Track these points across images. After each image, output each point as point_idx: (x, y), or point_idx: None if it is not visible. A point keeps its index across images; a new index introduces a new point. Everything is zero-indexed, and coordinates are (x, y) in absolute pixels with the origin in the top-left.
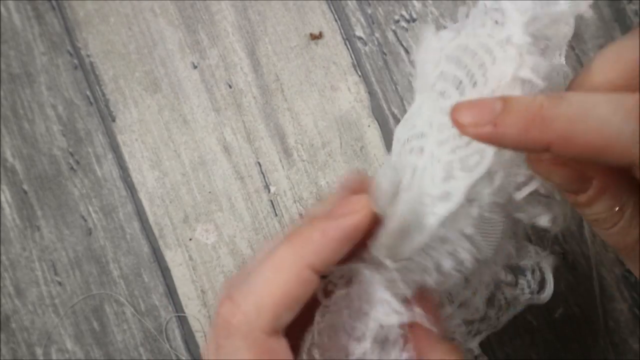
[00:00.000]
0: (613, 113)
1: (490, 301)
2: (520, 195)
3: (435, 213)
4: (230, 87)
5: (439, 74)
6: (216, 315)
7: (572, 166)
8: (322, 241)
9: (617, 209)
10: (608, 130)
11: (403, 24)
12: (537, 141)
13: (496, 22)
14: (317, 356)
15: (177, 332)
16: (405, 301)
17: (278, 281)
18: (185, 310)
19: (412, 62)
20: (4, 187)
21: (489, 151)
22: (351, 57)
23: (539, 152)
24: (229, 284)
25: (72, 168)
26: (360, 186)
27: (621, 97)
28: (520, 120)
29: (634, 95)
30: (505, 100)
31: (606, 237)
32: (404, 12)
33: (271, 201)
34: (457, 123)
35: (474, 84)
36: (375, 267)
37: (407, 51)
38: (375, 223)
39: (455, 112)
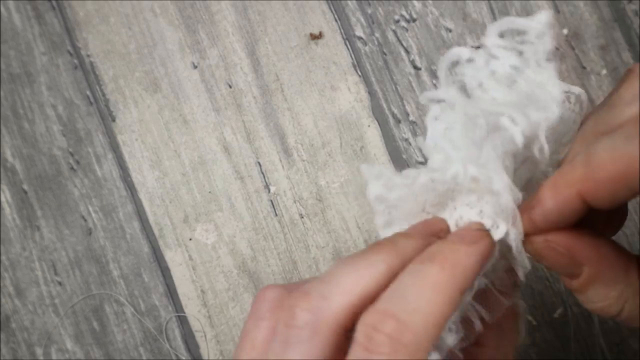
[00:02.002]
0: (616, 140)
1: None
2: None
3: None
4: (230, 87)
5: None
6: (372, 330)
7: (562, 251)
8: (469, 265)
9: (613, 295)
10: (623, 152)
11: (403, 24)
12: (570, 198)
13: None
14: None
15: (177, 332)
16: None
17: (440, 303)
18: (185, 310)
19: (412, 62)
20: (4, 187)
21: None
22: (351, 57)
23: (579, 208)
24: (280, 291)
25: (72, 168)
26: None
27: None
28: (545, 199)
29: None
30: (526, 207)
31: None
32: (404, 12)
33: (271, 201)
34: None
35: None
36: None
37: (407, 51)
38: None
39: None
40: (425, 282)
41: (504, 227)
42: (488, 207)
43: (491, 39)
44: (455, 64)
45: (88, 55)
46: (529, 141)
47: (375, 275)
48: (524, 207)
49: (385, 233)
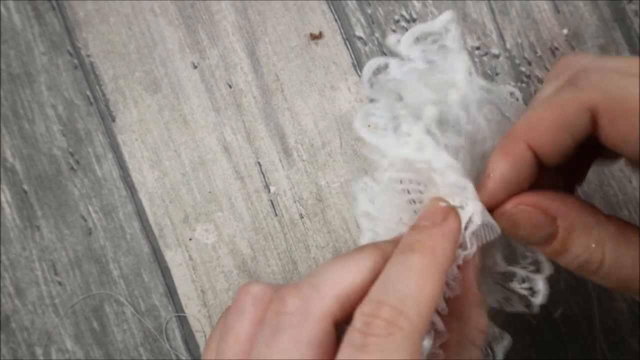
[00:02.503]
0: (551, 95)
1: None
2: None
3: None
4: (230, 87)
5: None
6: (370, 317)
7: (534, 210)
8: (446, 247)
9: (593, 245)
10: (557, 102)
11: (403, 24)
12: (520, 152)
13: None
14: None
15: (177, 332)
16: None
17: (428, 287)
18: (185, 310)
19: None
20: (4, 187)
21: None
22: (351, 57)
23: (530, 162)
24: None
25: (72, 168)
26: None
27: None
28: (499, 153)
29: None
30: (490, 160)
31: (604, 282)
32: (404, 12)
33: (271, 201)
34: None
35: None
36: None
37: None
38: None
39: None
40: (410, 270)
41: (464, 202)
42: (444, 189)
43: (405, 45)
44: (376, 71)
45: (88, 55)
46: (455, 117)
47: (361, 270)
48: (483, 180)
49: None
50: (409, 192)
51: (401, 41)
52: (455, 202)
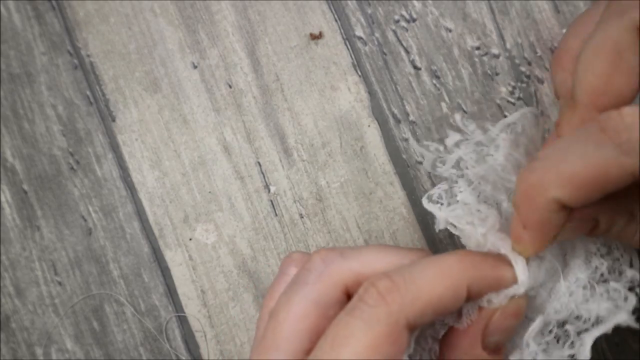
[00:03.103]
0: (584, 142)
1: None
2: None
3: None
4: (230, 87)
5: None
6: (370, 283)
7: (582, 223)
8: (486, 270)
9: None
10: (590, 158)
11: (403, 24)
12: (548, 205)
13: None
14: None
15: (177, 332)
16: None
17: (440, 284)
18: (185, 310)
19: (412, 62)
20: (4, 187)
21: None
22: (351, 57)
23: (562, 209)
24: (328, 253)
25: (72, 168)
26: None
27: (583, 131)
28: (526, 206)
29: (591, 124)
30: (516, 210)
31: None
32: (404, 12)
33: (271, 201)
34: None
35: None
36: None
37: (407, 51)
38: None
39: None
40: (436, 265)
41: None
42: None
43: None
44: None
45: (88, 55)
46: None
47: (399, 263)
48: (515, 229)
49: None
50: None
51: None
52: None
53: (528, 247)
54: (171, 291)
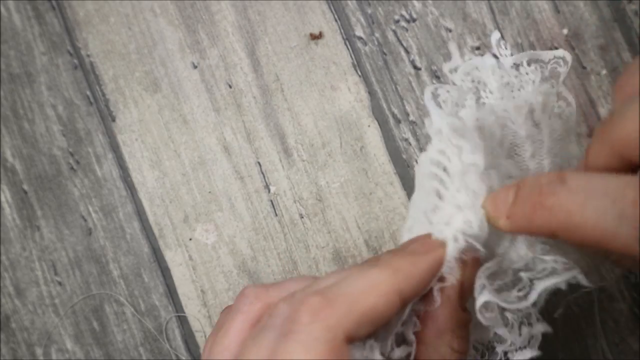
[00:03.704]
0: (611, 207)
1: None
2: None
3: None
4: (230, 87)
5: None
6: (300, 302)
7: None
8: (412, 272)
9: None
10: (604, 225)
11: (403, 24)
12: (543, 230)
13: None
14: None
15: (177, 332)
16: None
17: (371, 295)
18: (185, 310)
19: (412, 62)
20: (4, 187)
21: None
22: (351, 57)
23: (549, 237)
24: (260, 290)
25: (72, 168)
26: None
27: (620, 187)
28: (527, 210)
29: (634, 187)
30: (517, 187)
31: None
32: (404, 12)
33: (271, 201)
34: (486, 213)
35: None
36: None
37: (407, 51)
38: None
39: (483, 203)
40: (364, 277)
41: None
42: (458, 186)
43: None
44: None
45: (88, 55)
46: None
47: (376, 296)
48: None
49: (406, 237)
50: (437, 182)
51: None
52: (446, 228)
53: (500, 222)
54: (171, 291)
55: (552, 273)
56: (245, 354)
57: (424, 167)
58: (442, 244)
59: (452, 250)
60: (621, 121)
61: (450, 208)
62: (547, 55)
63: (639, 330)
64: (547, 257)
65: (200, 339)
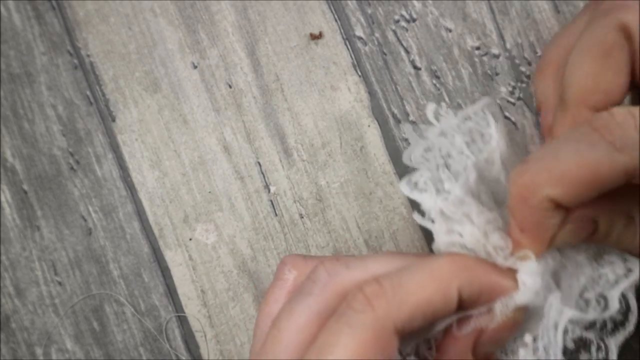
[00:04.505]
0: (579, 144)
1: None
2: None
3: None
4: (230, 87)
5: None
6: (357, 290)
7: (584, 224)
8: (479, 273)
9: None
10: (586, 159)
11: (403, 24)
12: (542, 205)
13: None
14: None
15: (177, 332)
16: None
17: (429, 287)
18: (185, 310)
19: (412, 62)
20: (4, 187)
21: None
22: (351, 57)
23: (557, 208)
24: (326, 262)
25: (72, 168)
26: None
27: (574, 131)
28: (520, 208)
29: (583, 124)
30: (508, 210)
31: None
32: (404, 12)
33: (271, 201)
34: (517, 251)
35: None
36: None
37: (407, 51)
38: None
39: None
40: (426, 267)
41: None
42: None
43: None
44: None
45: (88, 55)
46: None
47: (436, 288)
48: (512, 234)
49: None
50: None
51: (439, 114)
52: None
53: (527, 252)
54: (171, 291)
55: (622, 276)
56: (284, 319)
57: (444, 248)
58: (509, 274)
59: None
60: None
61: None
62: (473, 109)
63: (639, 331)
64: (612, 257)
65: (200, 339)
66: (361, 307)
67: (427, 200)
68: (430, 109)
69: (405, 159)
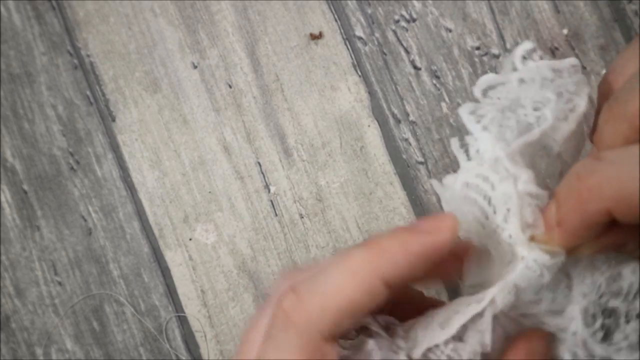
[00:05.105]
0: None
1: None
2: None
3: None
4: (230, 87)
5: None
6: (276, 305)
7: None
8: (401, 254)
9: None
10: None
11: (403, 24)
12: (599, 211)
13: (477, 151)
14: None
15: (177, 332)
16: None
17: (347, 287)
18: (185, 310)
19: (412, 62)
20: (4, 187)
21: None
22: (351, 57)
23: (608, 221)
24: (292, 276)
25: (72, 168)
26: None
27: None
28: (574, 204)
29: None
30: (555, 198)
31: None
32: (404, 12)
33: (271, 201)
34: (537, 239)
35: (494, 212)
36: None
37: (407, 51)
38: (453, 254)
39: (532, 234)
40: (340, 265)
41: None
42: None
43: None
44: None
45: (88, 55)
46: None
47: (354, 285)
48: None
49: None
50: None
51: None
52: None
53: (554, 243)
54: (171, 291)
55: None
56: (239, 354)
57: (458, 191)
58: (453, 226)
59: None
60: (634, 95)
61: (501, 240)
62: (562, 64)
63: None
64: (628, 261)
65: (200, 339)
66: (282, 326)
67: (485, 139)
68: (522, 47)
69: (477, 91)
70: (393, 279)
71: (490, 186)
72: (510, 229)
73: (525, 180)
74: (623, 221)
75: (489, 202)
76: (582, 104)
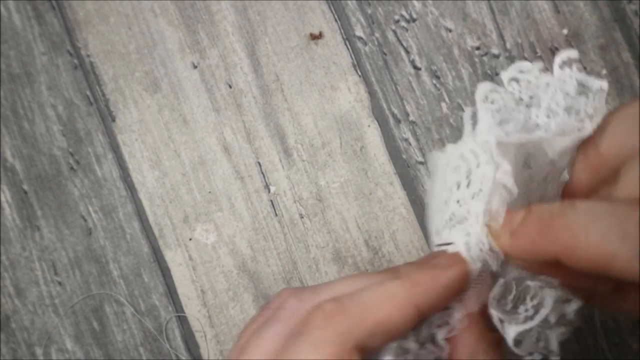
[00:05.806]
0: (615, 227)
1: None
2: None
3: None
4: (230, 87)
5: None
6: (315, 306)
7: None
8: (431, 286)
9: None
10: (607, 245)
11: (403, 24)
12: (545, 252)
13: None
14: None
15: (177, 332)
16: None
17: (386, 306)
18: (185, 310)
19: (412, 62)
20: (4, 187)
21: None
22: (351, 57)
23: (549, 261)
24: (296, 292)
25: (72, 168)
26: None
27: (625, 210)
28: (533, 230)
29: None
30: (528, 210)
31: None
32: (404, 12)
33: (271, 201)
34: (490, 228)
35: (467, 185)
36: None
37: (407, 51)
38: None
39: (489, 221)
40: (382, 289)
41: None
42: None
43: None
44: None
45: (88, 55)
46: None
47: (392, 308)
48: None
49: (435, 239)
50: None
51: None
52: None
53: (499, 243)
54: (171, 291)
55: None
56: (252, 346)
57: (451, 159)
58: (462, 261)
59: (472, 267)
60: (603, 136)
61: (459, 210)
62: (594, 83)
63: (639, 331)
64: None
65: (200, 339)
66: (321, 324)
67: (484, 120)
68: (566, 53)
69: (506, 77)
70: (424, 307)
71: (477, 163)
72: (474, 207)
73: (505, 172)
74: (581, 271)
75: (468, 175)
76: (589, 129)
